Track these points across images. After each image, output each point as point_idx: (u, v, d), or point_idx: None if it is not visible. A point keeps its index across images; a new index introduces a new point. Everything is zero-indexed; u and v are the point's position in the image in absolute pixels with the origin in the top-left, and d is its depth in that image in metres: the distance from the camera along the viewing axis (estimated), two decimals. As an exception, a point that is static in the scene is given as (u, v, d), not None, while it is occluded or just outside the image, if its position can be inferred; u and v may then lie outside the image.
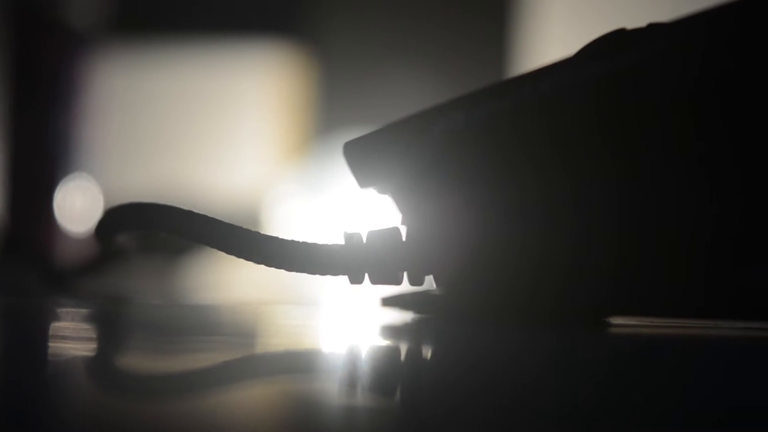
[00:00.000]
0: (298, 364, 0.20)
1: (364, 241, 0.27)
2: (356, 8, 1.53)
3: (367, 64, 1.51)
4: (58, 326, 0.25)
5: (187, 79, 1.56)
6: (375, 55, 1.51)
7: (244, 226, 1.22)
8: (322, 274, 0.27)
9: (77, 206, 0.74)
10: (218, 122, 1.55)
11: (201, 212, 0.28)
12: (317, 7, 1.55)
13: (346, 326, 0.28)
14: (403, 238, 0.27)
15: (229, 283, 0.57)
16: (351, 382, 0.17)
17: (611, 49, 0.25)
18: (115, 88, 1.55)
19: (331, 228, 1.32)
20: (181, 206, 0.28)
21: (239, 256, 0.27)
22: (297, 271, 0.27)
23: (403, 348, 0.22)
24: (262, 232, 0.28)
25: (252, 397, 0.15)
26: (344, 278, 0.26)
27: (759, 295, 0.24)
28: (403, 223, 0.27)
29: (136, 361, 0.19)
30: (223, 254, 0.26)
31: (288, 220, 1.27)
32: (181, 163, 1.54)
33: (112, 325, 0.26)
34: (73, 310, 0.29)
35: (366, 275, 0.27)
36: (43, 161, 0.75)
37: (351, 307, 0.35)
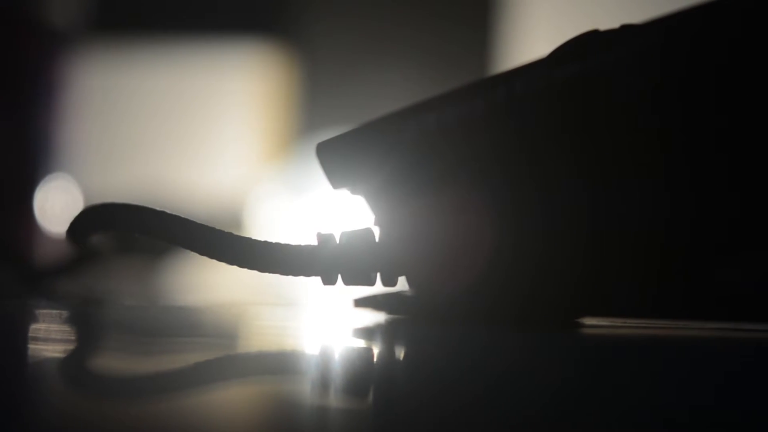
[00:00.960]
0: (270, 365, 0.20)
1: (337, 242, 0.27)
2: (339, 8, 1.53)
3: (349, 65, 1.51)
4: (34, 327, 0.25)
5: (169, 79, 1.56)
6: (357, 56, 1.51)
7: (227, 227, 1.22)
8: (295, 275, 0.27)
9: (57, 206, 0.74)
10: (200, 122, 1.55)
11: (175, 213, 0.28)
12: (300, 7, 1.54)
13: (322, 327, 0.28)
14: (377, 239, 0.27)
15: (211, 284, 0.57)
16: (321, 383, 0.17)
17: (584, 50, 0.25)
18: (95, 88, 1.55)
19: (313, 228, 1.31)
20: (161, 207, 0.28)
21: (212, 257, 0.27)
22: (269, 272, 0.27)
23: (372, 349, 0.22)
24: (235, 233, 0.28)
25: (222, 398, 0.15)
26: (317, 279, 0.26)
27: (731, 296, 0.24)
28: (376, 224, 0.27)
29: (107, 362, 0.19)
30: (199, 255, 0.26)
31: (271, 220, 1.27)
32: (163, 164, 1.54)
33: (87, 326, 0.26)
34: (49, 311, 0.29)
35: (339, 276, 0.27)
36: (23, 161, 0.75)
37: (330, 308, 0.35)
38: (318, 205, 1.25)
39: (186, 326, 0.27)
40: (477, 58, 1.44)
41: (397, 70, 1.47)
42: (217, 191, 1.47)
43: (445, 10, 1.49)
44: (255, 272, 0.27)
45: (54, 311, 0.29)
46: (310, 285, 0.53)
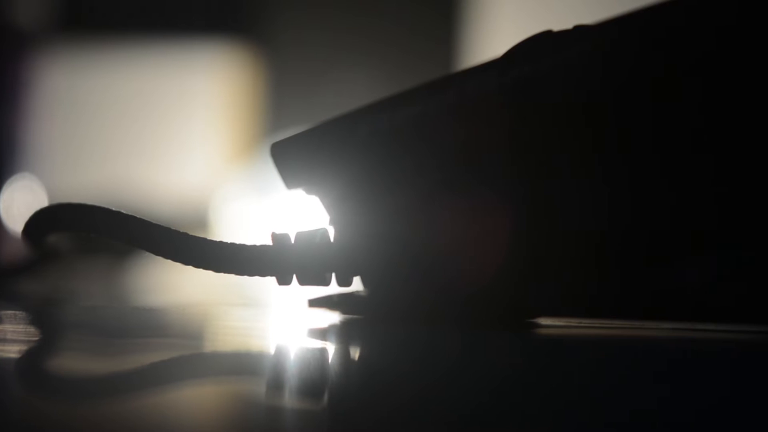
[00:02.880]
0: (222, 365, 0.20)
1: (292, 242, 0.27)
2: (304, 8, 1.53)
3: (315, 65, 1.51)
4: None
5: (134, 80, 1.55)
6: (323, 55, 1.51)
7: (193, 228, 1.22)
8: (250, 275, 0.27)
9: (21, 207, 0.73)
10: (166, 123, 1.54)
11: (130, 213, 0.28)
12: (265, 7, 1.54)
13: (280, 328, 0.28)
14: (331, 240, 0.27)
15: (175, 285, 0.57)
16: (273, 383, 0.17)
17: (537, 51, 0.25)
18: (61, 88, 1.54)
19: (278, 229, 1.31)
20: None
21: (166, 257, 0.27)
22: (224, 272, 0.27)
23: (323, 349, 0.22)
24: (191, 234, 0.28)
25: (173, 399, 0.15)
26: (272, 279, 0.26)
27: (681, 295, 0.24)
28: (331, 224, 0.27)
29: (61, 362, 0.19)
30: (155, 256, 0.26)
31: (236, 221, 1.27)
32: (129, 164, 1.53)
33: (46, 327, 0.26)
34: (7, 311, 0.29)
35: (294, 276, 0.27)
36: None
37: (290, 308, 0.35)
38: (284, 206, 1.25)
39: (145, 327, 0.27)
40: (443, 57, 1.45)
41: (363, 70, 1.47)
42: (183, 192, 1.47)
43: (411, 8, 1.49)
44: (219, 273, 0.27)
45: (13, 312, 0.29)
46: (273, 286, 0.53)
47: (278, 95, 1.52)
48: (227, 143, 1.52)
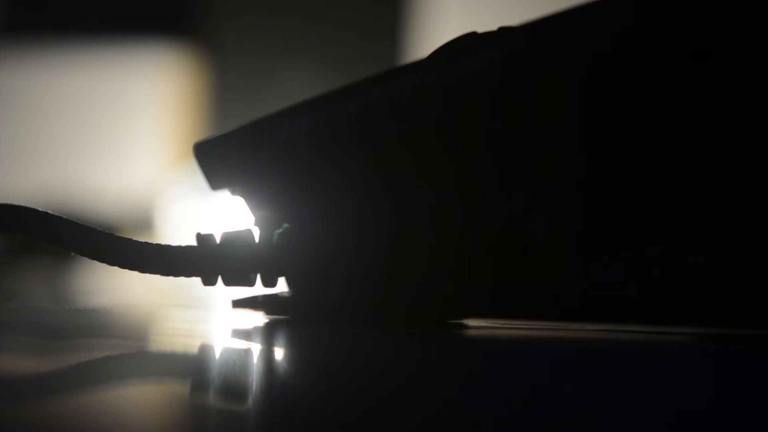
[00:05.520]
0: (150, 365, 0.20)
1: (218, 242, 0.27)
2: (248, 8, 1.53)
3: (260, 65, 1.51)
4: None
5: (79, 80, 1.54)
6: (268, 56, 1.51)
7: (137, 229, 1.21)
8: (175, 275, 0.27)
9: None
10: (109, 124, 1.54)
11: (55, 213, 0.27)
12: (209, 7, 1.54)
13: (213, 328, 0.28)
14: (256, 240, 0.27)
15: (119, 286, 0.57)
16: (199, 383, 0.17)
17: (461, 53, 0.25)
18: (1, 89, 1.53)
19: (225, 229, 1.31)
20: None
21: (92, 258, 0.27)
22: (149, 272, 0.27)
23: (247, 350, 0.22)
24: (115, 234, 0.27)
25: (95, 400, 0.15)
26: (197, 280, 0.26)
27: (607, 296, 0.24)
28: (255, 225, 0.27)
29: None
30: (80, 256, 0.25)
31: (181, 222, 1.26)
32: (72, 166, 1.52)
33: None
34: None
35: (219, 277, 0.27)
36: None
37: (226, 309, 0.35)
38: (229, 206, 1.25)
39: (82, 328, 0.27)
40: (389, 55, 1.45)
41: (307, 69, 1.47)
42: (127, 193, 1.46)
43: (356, 7, 1.49)
44: (144, 274, 0.27)
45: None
46: (220, 288, 0.52)
47: (222, 96, 1.52)
48: (172, 144, 1.51)
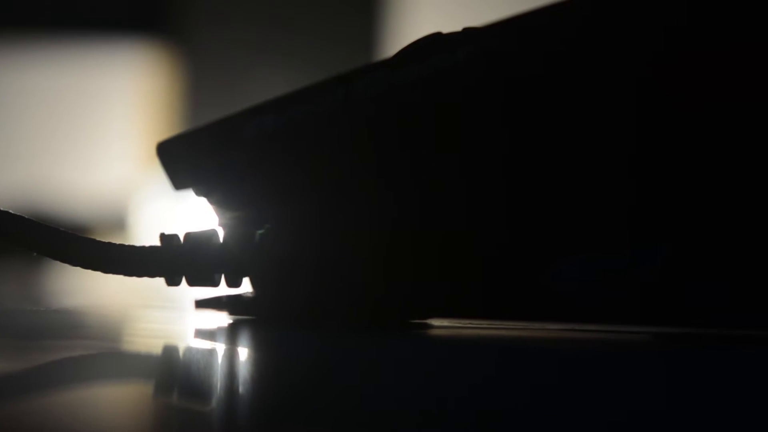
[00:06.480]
0: (114, 365, 0.20)
1: (181, 242, 0.27)
2: (223, 6, 1.52)
3: (234, 63, 1.51)
4: None
5: (50, 79, 1.54)
6: (242, 54, 1.51)
7: (110, 229, 1.21)
8: (138, 275, 0.27)
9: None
10: (81, 123, 1.53)
11: (16, 212, 0.27)
12: (182, 6, 1.53)
13: (182, 328, 0.28)
14: (221, 240, 0.27)
15: (95, 287, 0.56)
16: (164, 384, 0.17)
17: (425, 53, 0.25)
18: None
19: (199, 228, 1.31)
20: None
21: (53, 258, 0.27)
22: (112, 272, 0.27)
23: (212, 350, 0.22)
24: (78, 234, 0.27)
25: (59, 400, 0.15)
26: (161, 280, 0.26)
27: (562, 295, 0.25)
28: (220, 225, 0.27)
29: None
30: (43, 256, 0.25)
31: (156, 222, 1.26)
32: (43, 165, 1.52)
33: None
34: None
35: (183, 277, 0.27)
36: None
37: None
38: (202, 206, 1.25)
39: (52, 328, 0.27)
40: (365, 53, 1.45)
41: (282, 68, 1.47)
42: (99, 193, 1.46)
43: (332, 6, 1.49)
44: (107, 275, 0.27)
45: None
46: (185, 288, 0.52)
47: (197, 95, 1.52)
48: (145, 144, 1.51)
